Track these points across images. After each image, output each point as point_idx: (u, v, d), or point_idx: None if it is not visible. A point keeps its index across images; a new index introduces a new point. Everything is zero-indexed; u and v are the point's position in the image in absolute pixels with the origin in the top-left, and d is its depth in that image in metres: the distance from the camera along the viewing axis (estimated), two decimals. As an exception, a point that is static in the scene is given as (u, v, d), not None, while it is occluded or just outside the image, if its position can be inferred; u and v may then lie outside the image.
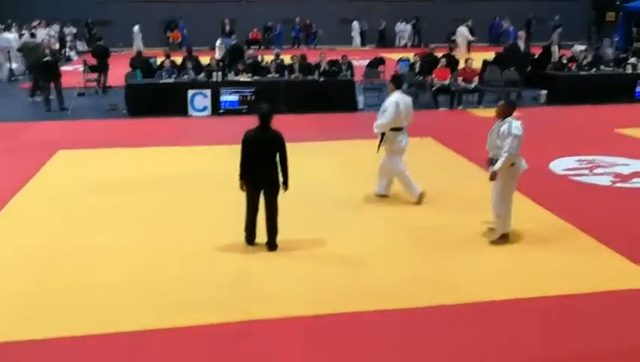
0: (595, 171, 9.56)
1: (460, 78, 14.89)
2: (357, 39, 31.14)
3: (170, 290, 5.66)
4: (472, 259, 6.38)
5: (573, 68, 16.53)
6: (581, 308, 5.40)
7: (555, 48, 17.92)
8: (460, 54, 21.57)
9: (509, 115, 6.63)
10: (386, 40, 31.07)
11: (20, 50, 17.71)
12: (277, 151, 6.37)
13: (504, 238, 6.80)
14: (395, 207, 7.91)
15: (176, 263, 6.24)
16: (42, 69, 14.68)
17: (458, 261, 6.32)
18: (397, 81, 8.10)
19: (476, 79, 15.03)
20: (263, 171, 6.38)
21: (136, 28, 26.63)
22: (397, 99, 7.78)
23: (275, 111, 6.59)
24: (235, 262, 6.31)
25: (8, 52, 19.31)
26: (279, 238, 6.56)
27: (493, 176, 6.60)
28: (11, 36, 19.89)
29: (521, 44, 16.65)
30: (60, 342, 4.83)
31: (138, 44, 25.92)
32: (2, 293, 5.59)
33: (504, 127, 6.52)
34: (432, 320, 5.21)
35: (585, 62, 16.63)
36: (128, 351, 4.74)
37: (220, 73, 14.38)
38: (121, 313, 5.27)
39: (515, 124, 6.52)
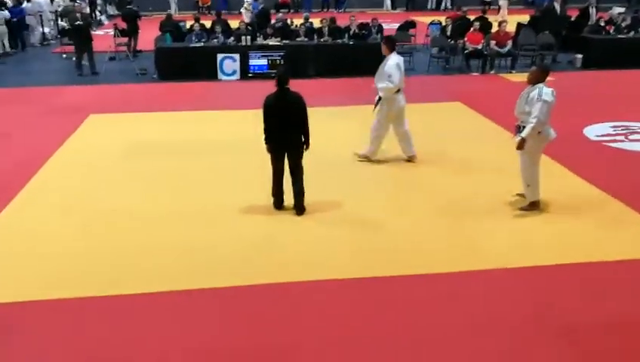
0: (631, 137, 9.34)
1: (492, 42, 14.58)
2: (388, 2, 30.61)
3: (200, 252, 5.75)
4: (500, 225, 6.33)
5: (611, 31, 16.03)
6: (612, 276, 5.34)
7: (592, 10, 17.37)
8: (502, 17, 21.08)
9: (542, 81, 6.43)
10: (415, 3, 30.40)
11: (61, 15, 17.87)
12: (298, 113, 6.38)
13: (534, 206, 6.69)
14: (421, 173, 7.86)
15: (205, 226, 6.33)
16: (74, 34, 14.79)
17: (486, 227, 6.28)
18: (391, 43, 8.05)
19: (509, 43, 14.68)
20: (285, 134, 6.42)
21: None
22: (397, 62, 7.77)
23: (295, 71, 6.59)
24: (263, 225, 6.36)
25: (40, 16, 19.48)
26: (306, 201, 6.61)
27: (520, 145, 6.41)
28: (42, 1, 20.03)
29: (557, 7, 16.18)
30: (97, 301, 4.96)
31: (173, 7, 26.03)
32: (41, 254, 5.75)
33: (534, 93, 6.33)
34: (458, 285, 5.20)
35: (623, 24, 16.10)
36: (158, 310, 4.85)
37: (249, 37, 14.30)
38: (153, 274, 5.38)
39: (545, 90, 6.33)
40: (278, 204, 6.67)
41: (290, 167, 6.55)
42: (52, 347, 4.42)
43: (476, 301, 4.96)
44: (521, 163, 6.66)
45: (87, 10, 22.89)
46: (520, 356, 4.30)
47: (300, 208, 6.59)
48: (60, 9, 20.94)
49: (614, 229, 6.24)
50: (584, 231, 6.19)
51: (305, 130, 6.46)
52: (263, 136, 6.49)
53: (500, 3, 24.80)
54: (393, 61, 7.79)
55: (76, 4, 16.52)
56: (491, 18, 17.52)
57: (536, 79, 6.46)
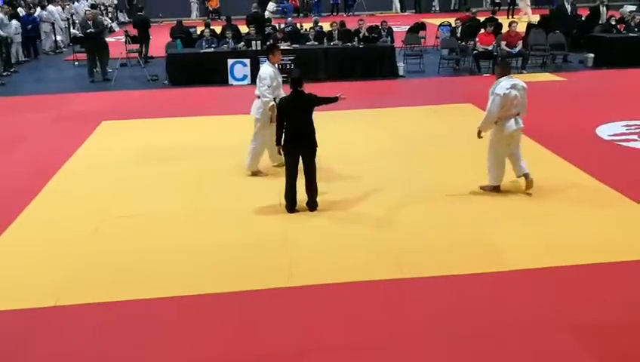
0: (644, 136, 9.28)
1: (503, 43, 14.54)
2: (397, 4, 30.60)
3: (212, 256, 5.77)
4: (511, 225, 6.30)
5: (622, 30, 15.92)
6: (625, 276, 5.30)
7: (603, 9, 17.28)
8: (527, 17, 21.00)
9: (505, 75, 6.83)
10: (420, 5, 30.31)
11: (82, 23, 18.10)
12: (312, 111, 6.58)
13: (495, 189, 7.08)
14: (432, 173, 7.85)
15: (218, 229, 6.35)
16: (86, 41, 14.92)
17: (497, 228, 6.26)
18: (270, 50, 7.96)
19: (520, 43, 14.63)
20: (300, 134, 6.56)
21: None
22: (273, 70, 7.69)
23: (305, 75, 6.75)
24: (276, 227, 6.38)
25: (52, 24, 19.67)
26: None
27: (478, 134, 6.99)
28: (56, 9, 20.24)
29: (568, 6, 16.11)
30: (115, 306, 5.00)
31: (194, 13, 26.50)
32: (56, 259, 5.79)
33: (493, 87, 6.79)
34: (471, 286, 5.19)
35: (634, 23, 16.00)
36: (168, 316, 4.88)
37: (259, 42, 14.36)
38: (166, 279, 5.40)
39: (501, 85, 6.72)
40: (291, 207, 6.71)
41: (304, 167, 6.64)
42: (67, 353, 4.45)
43: (489, 302, 4.94)
44: (487, 149, 7.08)
45: (105, 18, 23.10)
46: (532, 358, 4.28)
47: (312, 205, 6.70)
48: (74, 16, 21.19)
49: (628, 229, 6.20)
50: (597, 231, 6.15)
51: (327, 101, 6.72)
52: (275, 138, 6.66)
53: (521, 5, 24.51)
54: (268, 69, 7.66)
55: (88, 11, 16.65)
56: (503, 19, 17.49)
57: (500, 74, 6.90)
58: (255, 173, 7.94)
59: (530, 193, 7.01)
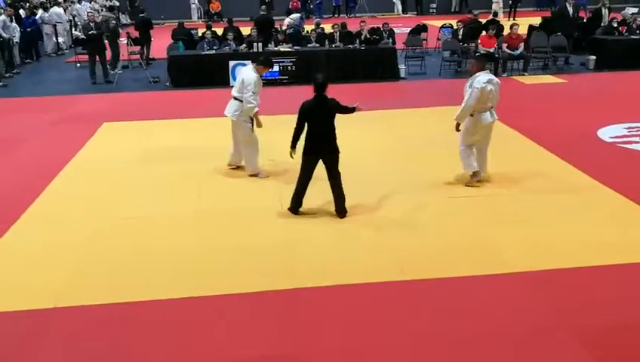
0: (645, 139, 9.27)
1: (504, 45, 14.53)
2: (398, 6, 30.61)
3: (213, 258, 5.77)
4: (512, 228, 6.30)
5: (624, 32, 15.92)
6: (628, 278, 5.29)
7: (605, 11, 17.28)
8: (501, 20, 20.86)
9: (480, 70, 7.20)
10: (422, 6, 30.30)
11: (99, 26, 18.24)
12: (334, 116, 6.48)
13: (475, 176, 7.36)
14: (433, 175, 7.84)
15: (222, 231, 6.36)
16: (87, 43, 14.94)
17: (498, 230, 6.25)
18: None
19: (521, 45, 14.62)
20: (323, 139, 6.47)
21: None
22: (257, 76, 7.61)
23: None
24: (277, 228, 6.37)
25: (54, 26, 19.69)
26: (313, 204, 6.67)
27: (456, 127, 7.35)
28: (59, 11, 20.26)
29: (570, 8, 16.11)
30: (117, 308, 5.00)
31: (195, 15, 26.57)
32: (58, 261, 5.80)
33: (470, 81, 7.15)
34: (472, 289, 5.18)
35: (636, 25, 15.98)
36: (170, 317, 4.88)
37: (260, 44, 14.36)
38: (167, 281, 5.40)
39: (478, 79, 7.07)
40: (296, 208, 6.67)
41: (328, 174, 6.57)
42: (68, 354, 4.45)
43: (490, 304, 4.94)
44: (459, 138, 7.40)
45: (100, 19, 23.17)
46: (534, 360, 4.27)
47: (341, 211, 6.62)
48: (75, 18, 21.24)
49: (629, 231, 6.19)
50: (598, 234, 6.15)
51: (347, 111, 6.68)
52: (291, 141, 6.51)
53: (494, 7, 24.44)
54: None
55: (89, 13, 16.70)
56: (504, 22, 17.49)
57: (477, 69, 7.27)
58: (255, 175, 7.94)
59: (479, 186, 7.38)
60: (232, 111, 7.75)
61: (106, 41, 15.21)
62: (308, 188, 6.65)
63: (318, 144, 6.48)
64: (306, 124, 6.45)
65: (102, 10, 21.88)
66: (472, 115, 7.19)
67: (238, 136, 7.91)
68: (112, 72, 15.14)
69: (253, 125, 7.71)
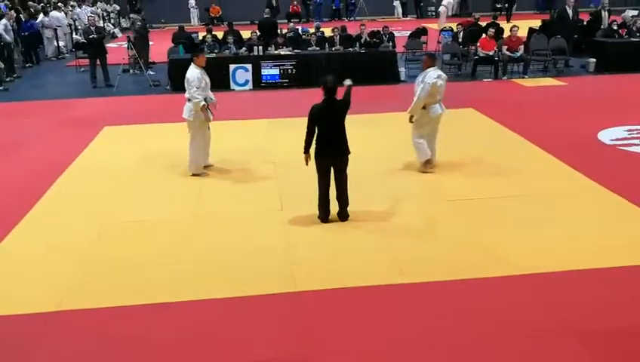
0: (646, 141, 9.28)
1: (504, 48, 14.55)
2: (398, 9, 30.66)
3: (214, 261, 5.77)
4: (513, 230, 6.29)
5: (624, 34, 15.93)
6: (629, 280, 5.29)
7: (605, 14, 17.28)
8: (439, 26, 20.67)
9: (431, 66, 7.70)
10: (421, 9, 30.32)
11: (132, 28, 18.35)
12: (345, 117, 6.46)
13: (427, 164, 7.94)
14: (433, 178, 7.85)
15: (221, 235, 6.35)
16: (88, 47, 14.97)
17: (498, 232, 6.25)
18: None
19: (521, 48, 14.63)
20: (334, 142, 6.41)
21: (192, 1, 27.27)
22: (199, 72, 7.87)
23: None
24: (278, 232, 6.36)
25: (55, 30, 19.72)
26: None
27: (410, 119, 7.89)
28: (59, 15, 20.30)
29: (569, 11, 16.12)
30: (107, 312, 5.00)
31: (195, 20, 26.61)
32: (59, 264, 5.79)
33: (421, 77, 7.68)
34: (473, 291, 5.18)
35: (636, 28, 16.00)
36: (173, 321, 4.88)
37: (260, 47, 14.38)
38: (169, 284, 5.40)
39: (430, 74, 7.62)
40: (325, 217, 6.56)
41: (335, 176, 6.51)
42: (70, 358, 4.45)
43: (491, 307, 4.93)
44: (412, 129, 7.96)
45: (101, 23, 23.25)
46: (538, 362, 4.28)
47: (343, 216, 6.59)
48: (76, 22, 21.27)
49: (630, 233, 6.19)
50: (599, 236, 6.14)
51: (348, 95, 6.66)
52: (304, 146, 6.44)
53: (441, 9, 24.18)
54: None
55: (90, 17, 16.74)
56: (503, 24, 17.49)
57: (427, 66, 7.76)
58: (197, 174, 8.09)
59: (433, 172, 7.97)
60: (188, 112, 7.96)
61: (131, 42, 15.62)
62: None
63: (330, 147, 6.40)
64: (317, 128, 6.37)
65: (101, 13, 21.98)
66: (424, 108, 7.72)
67: (204, 135, 8.18)
68: (150, 72, 15.41)
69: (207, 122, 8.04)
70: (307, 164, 6.50)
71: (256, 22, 18.39)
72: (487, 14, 22.36)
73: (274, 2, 25.81)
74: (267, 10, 18.40)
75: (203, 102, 7.74)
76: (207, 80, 7.97)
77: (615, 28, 16.08)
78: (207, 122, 8.04)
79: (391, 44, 15.44)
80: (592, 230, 6.28)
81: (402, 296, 5.13)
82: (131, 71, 16.10)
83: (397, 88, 14.02)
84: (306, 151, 6.46)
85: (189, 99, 7.85)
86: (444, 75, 7.85)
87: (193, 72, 7.81)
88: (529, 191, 7.29)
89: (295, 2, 29.01)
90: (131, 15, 17.80)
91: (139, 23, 16.37)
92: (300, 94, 12.88)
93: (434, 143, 8.06)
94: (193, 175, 8.09)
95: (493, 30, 14.97)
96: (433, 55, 8.34)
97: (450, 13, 24.61)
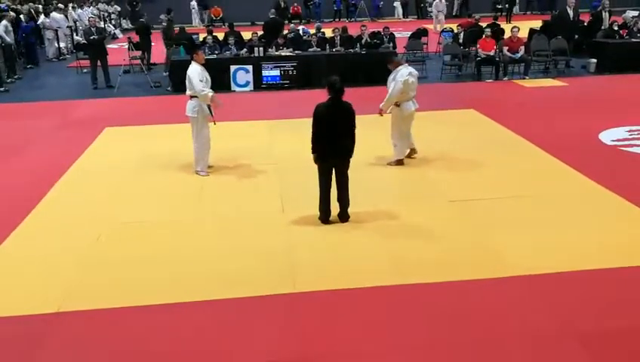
0: (647, 142, 9.27)
1: (505, 48, 14.54)
2: (399, 10, 30.66)
3: (215, 263, 5.76)
4: (513, 231, 6.28)
5: (625, 35, 15.92)
6: (630, 281, 5.28)
7: (605, 14, 17.28)
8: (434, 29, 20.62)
9: (399, 65, 8.07)
10: (421, 10, 30.29)
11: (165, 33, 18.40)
12: (348, 121, 6.38)
13: (399, 163, 8.22)
14: (434, 179, 7.84)
15: (222, 236, 6.34)
16: (89, 48, 14.98)
17: (499, 233, 6.24)
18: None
19: (522, 49, 14.63)
20: (337, 143, 6.37)
21: (193, 3, 27.33)
22: (199, 67, 8.04)
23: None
24: (279, 233, 6.36)
25: (56, 31, 19.73)
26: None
27: (380, 112, 8.17)
28: (60, 16, 20.32)
29: (570, 12, 16.12)
30: (104, 313, 5.00)
31: (196, 21, 26.62)
32: (59, 265, 5.79)
33: (393, 75, 7.96)
34: (473, 292, 5.17)
35: (637, 28, 15.99)
36: (175, 322, 4.88)
37: (261, 48, 14.39)
38: (169, 286, 5.39)
39: (401, 72, 7.93)
40: (326, 218, 6.55)
41: (336, 177, 6.49)
42: (70, 360, 4.45)
43: (491, 308, 4.92)
44: (391, 128, 8.26)
45: (101, 24, 23.25)
46: (539, 363, 4.27)
47: (344, 217, 6.57)
48: (77, 23, 21.28)
49: (631, 234, 6.18)
50: (600, 236, 6.13)
51: (352, 137, 6.44)
52: (311, 146, 6.40)
53: (436, 13, 24.14)
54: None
55: (91, 18, 16.75)
56: (503, 25, 17.48)
57: (395, 65, 8.09)
58: (202, 173, 8.15)
59: (415, 157, 8.46)
60: (191, 109, 8.06)
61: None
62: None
63: (332, 147, 6.36)
64: (321, 127, 6.32)
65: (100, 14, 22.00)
66: (398, 106, 8.01)
67: (207, 133, 8.27)
68: (164, 73, 15.45)
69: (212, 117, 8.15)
70: (317, 164, 6.47)
71: (257, 23, 18.41)
72: (488, 15, 22.35)
73: (282, 3, 25.75)
74: (273, 10, 18.40)
75: (211, 92, 7.80)
76: (208, 77, 8.04)
77: (616, 28, 16.07)
78: (218, 108, 8.12)
79: (392, 44, 15.45)
80: (592, 231, 6.27)
81: (402, 296, 5.13)
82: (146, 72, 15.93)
83: (398, 89, 14.00)
84: (314, 150, 6.40)
85: (192, 97, 7.89)
86: (415, 72, 8.21)
87: (193, 69, 7.92)
88: (530, 192, 7.29)
89: (296, 3, 29.02)
90: (161, 16, 17.87)
91: (93, 28, 15.80)
92: (300, 95, 12.88)
93: (410, 137, 8.39)
94: (197, 173, 8.11)
95: (490, 30, 14.94)
96: (395, 56, 8.68)
97: (439, 10, 24.48)
